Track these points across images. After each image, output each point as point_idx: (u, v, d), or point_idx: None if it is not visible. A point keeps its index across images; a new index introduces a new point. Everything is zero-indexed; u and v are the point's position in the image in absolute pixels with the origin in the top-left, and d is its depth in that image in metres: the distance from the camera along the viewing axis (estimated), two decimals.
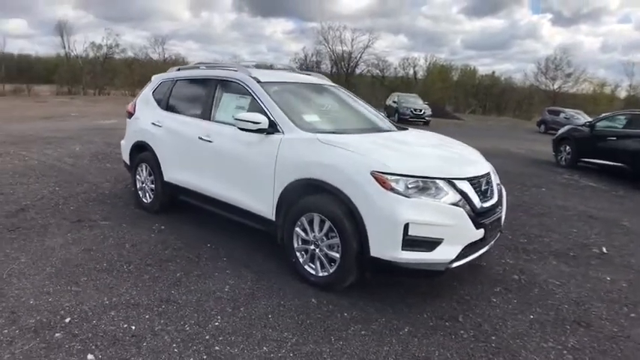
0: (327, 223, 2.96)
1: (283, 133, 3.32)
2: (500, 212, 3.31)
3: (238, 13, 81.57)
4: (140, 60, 46.48)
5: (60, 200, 4.85)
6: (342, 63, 46.78)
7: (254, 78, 3.74)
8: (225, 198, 3.73)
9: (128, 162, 4.98)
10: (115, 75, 44.06)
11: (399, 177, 2.75)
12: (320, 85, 4.34)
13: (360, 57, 46.28)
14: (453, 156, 3.40)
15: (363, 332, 2.59)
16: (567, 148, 9.61)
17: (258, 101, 3.57)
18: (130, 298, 2.85)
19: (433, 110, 25.75)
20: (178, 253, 3.62)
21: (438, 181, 2.82)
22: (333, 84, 4.65)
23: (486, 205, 3.08)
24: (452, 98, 43.84)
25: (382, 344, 2.48)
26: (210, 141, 3.81)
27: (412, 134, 4.00)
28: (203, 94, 4.14)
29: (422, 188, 2.78)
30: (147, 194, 4.68)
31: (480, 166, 3.26)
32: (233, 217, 3.73)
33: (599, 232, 4.95)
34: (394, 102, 21.84)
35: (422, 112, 20.54)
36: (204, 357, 2.29)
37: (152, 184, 4.56)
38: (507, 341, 2.60)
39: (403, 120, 20.18)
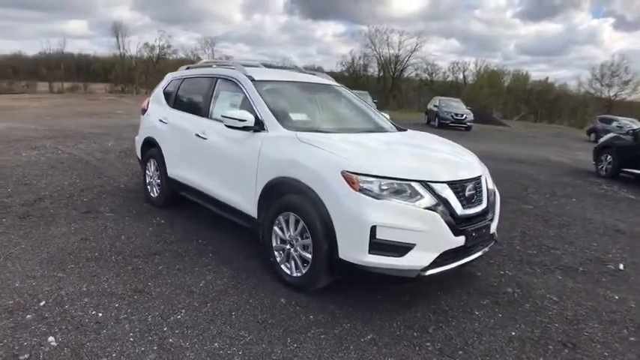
0: (301, 223, 2.92)
1: (267, 131, 3.32)
2: (491, 220, 3.12)
3: (289, 15, 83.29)
4: (190, 61, 48.41)
5: (76, 192, 5.13)
6: (389, 66, 46.15)
7: (248, 76, 3.77)
8: (216, 195, 3.79)
9: (140, 157, 5.18)
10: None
11: (370, 178, 2.67)
12: (319, 85, 4.30)
13: (408, 60, 45.48)
14: (437, 158, 3.24)
15: (322, 336, 2.53)
16: (608, 157, 8.94)
17: (249, 99, 3.59)
18: (107, 286, 2.95)
19: (478, 116, 24.88)
20: (168, 246, 3.71)
21: (413, 183, 2.70)
22: (337, 84, 4.60)
23: (470, 211, 2.91)
24: (501, 104, 42.08)
25: (338, 350, 2.41)
26: (205, 138, 3.89)
27: (406, 135, 3.87)
28: (203, 92, 4.23)
29: (395, 190, 2.68)
30: (154, 189, 4.84)
31: (467, 169, 3.09)
32: (223, 214, 3.78)
33: (622, 247, 4.55)
34: (435, 106, 21.26)
35: (463, 118, 19.86)
36: (155, 347, 2.32)
37: (158, 179, 4.72)
38: (475, 358, 2.43)
39: (443, 125, 19.61)
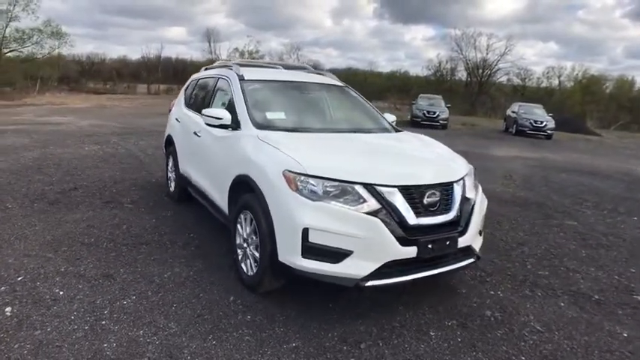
0: (254, 222, 2.91)
1: (240, 129, 3.35)
2: (461, 232, 2.80)
3: (379, 20, 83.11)
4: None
5: (110, 184, 5.65)
6: (477, 70, 43.64)
7: (239, 75, 3.84)
8: (205, 190, 3.92)
9: (165, 154, 5.54)
10: None
11: (309, 178, 2.56)
12: (316, 85, 4.23)
13: (496, 64, 42.60)
14: (400, 161, 3.01)
15: (246, 337, 2.48)
16: None
17: (233, 97, 3.67)
18: (83, 269, 3.20)
19: (566, 124, 22.56)
20: (159, 238, 3.92)
21: (356, 186, 2.54)
22: (340, 84, 4.49)
23: (428, 220, 2.65)
24: (597, 112, 37.47)
25: (253, 353, 2.35)
26: (199, 136, 4.05)
27: (393, 137, 3.67)
28: (206, 91, 4.42)
29: (337, 193, 2.54)
30: (172, 183, 5.15)
31: (432, 175, 2.81)
32: (211, 209, 3.89)
33: None
34: (513, 112, 19.66)
35: (543, 125, 18.07)
36: (86, 327, 2.47)
37: (175, 174, 5.01)
38: None
39: (521, 132, 18.07)
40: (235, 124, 3.41)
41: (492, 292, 3.28)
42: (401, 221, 2.55)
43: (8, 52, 29.02)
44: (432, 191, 2.70)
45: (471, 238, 2.91)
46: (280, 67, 4.80)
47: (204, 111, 3.49)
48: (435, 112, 18.92)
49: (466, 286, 3.35)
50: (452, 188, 2.84)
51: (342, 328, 2.64)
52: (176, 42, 79.14)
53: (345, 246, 2.48)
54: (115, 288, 2.96)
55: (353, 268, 2.50)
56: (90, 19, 73.88)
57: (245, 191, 3.04)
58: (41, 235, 3.79)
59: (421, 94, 21.89)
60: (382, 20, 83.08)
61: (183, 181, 4.69)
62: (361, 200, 2.52)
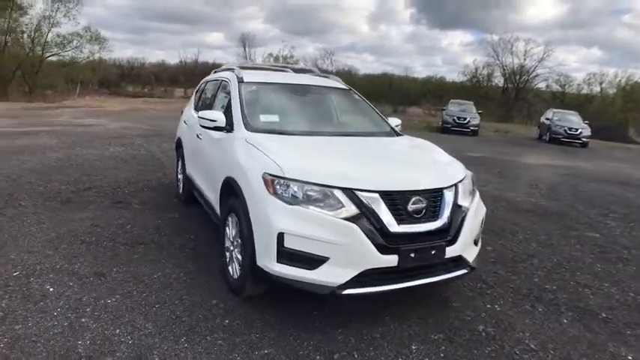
0: (238, 225, 2.88)
1: (233, 131, 3.35)
2: (450, 241, 2.66)
3: (416, 25, 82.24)
4: (309, 71, 49.94)
5: (124, 184, 5.80)
6: (514, 76, 42.16)
7: (238, 78, 3.86)
8: (204, 192, 3.95)
9: (176, 156, 5.64)
10: None
11: (288, 181, 2.51)
12: (317, 87, 4.18)
13: (534, 70, 41.00)
14: (388, 167, 2.90)
15: (219, 342, 2.45)
16: None
17: (230, 99, 3.68)
18: (77, 267, 3.27)
19: (606, 132, 21.51)
20: (158, 239, 3.97)
21: (335, 190, 2.47)
22: (344, 87, 4.42)
23: (411, 227, 2.54)
24: None
25: (223, 358, 2.31)
26: (200, 138, 4.08)
27: (388, 142, 3.58)
28: (211, 94, 4.47)
29: (315, 197, 2.48)
30: (180, 185, 5.23)
31: (419, 180, 2.70)
32: (208, 211, 3.90)
33: None
34: (547, 119, 18.87)
35: (578, 133, 17.22)
36: (65, 324, 2.52)
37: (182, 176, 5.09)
38: None
39: (555, 140, 17.30)
40: (230, 127, 3.41)
41: (489, 306, 3.11)
42: (381, 228, 2.45)
43: (50, 57, 30.58)
44: (417, 197, 2.58)
45: (463, 248, 2.77)
46: (290, 70, 4.81)
47: (199, 113, 3.52)
48: (465, 118, 18.45)
49: (462, 299, 3.19)
50: (441, 195, 2.71)
51: (319, 336, 2.56)
52: (214, 47, 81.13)
53: (321, 252, 2.41)
54: (103, 287, 3.00)
55: (329, 275, 2.42)
56: (130, 24, 77.09)
57: (232, 194, 3.02)
58: (46, 232, 3.92)
59: (452, 100, 21.41)
60: (419, 25, 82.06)
61: (189, 183, 4.74)
62: (339, 205, 2.44)
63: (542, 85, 41.88)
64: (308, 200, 2.47)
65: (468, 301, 3.15)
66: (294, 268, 2.44)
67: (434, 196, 2.67)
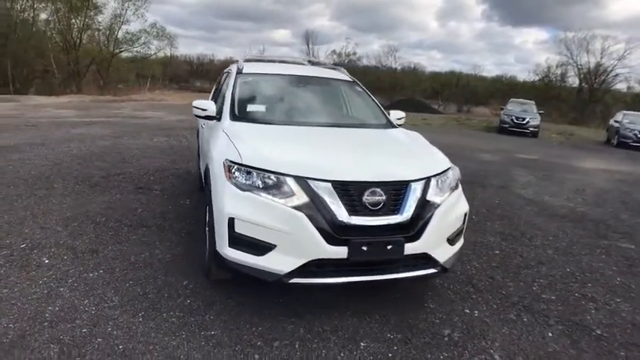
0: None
1: (220, 120, 3.45)
2: (409, 237, 2.53)
3: (487, 22, 78.68)
4: (372, 68, 49.01)
5: (152, 172, 6.17)
6: (589, 77, 38.72)
7: (238, 69, 3.96)
8: (202, 179, 4.11)
9: None
10: None
11: (244, 168, 2.55)
12: (316, 78, 4.16)
13: (613, 70, 37.28)
14: (352, 156, 2.82)
15: (173, 319, 2.55)
16: None
17: (226, 90, 3.78)
18: (78, 243, 3.55)
19: None
20: (162, 222, 4.19)
21: (288, 178, 2.46)
22: (348, 79, 4.35)
23: (365, 219, 2.46)
24: None
25: (169, 334, 2.41)
26: (203, 128, 4.25)
27: (376, 133, 3.53)
28: (220, 85, 4.62)
29: (269, 184, 2.48)
30: (199, 173, 5.47)
31: (383, 172, 2.60)
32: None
33: None
34: (616, 122, 17.07)
35: None
36: (45, 291, 2.76)
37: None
38: None
39: (623, 145, 15.61)
40: (219, 116, 3.51)
41: (467, 311, 2.92)
42: (331, 219, 2.40)
43: (119, 52, 33.05)
44: (374, 189, 2.49)
45: (429, 246, 2.63)
46: (308, 62, 4.86)
47: (193, 102, 3.65)
48: (524, 119, 17.30)
49: (440, 301, 3.03)
50: (406, 188, 2.59)
51: (269, 324, 2.57)
52: (280, 44, 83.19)
53: (269, 239, 2.42)
54: (91, 262, 3.23)
55: (276, 262, 2.42)
56: (204, 22, 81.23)
57: (207, 181, 3.12)
58: (64, 212, 4.28)
59: (512, 99, 20.17)
60: (490, 22, 78.27)
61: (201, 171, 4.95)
62: (291, 193, 2.43)
63: (622, 86, 38.07)
64: (261, 187, 2.48)
65: (446, 304, 2.98)
66: (245, 253, 2.47)
67: (396, 189, 2.56)
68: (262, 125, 3.24)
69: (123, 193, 5.03)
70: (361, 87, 4.29)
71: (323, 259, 2.42)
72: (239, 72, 3.92)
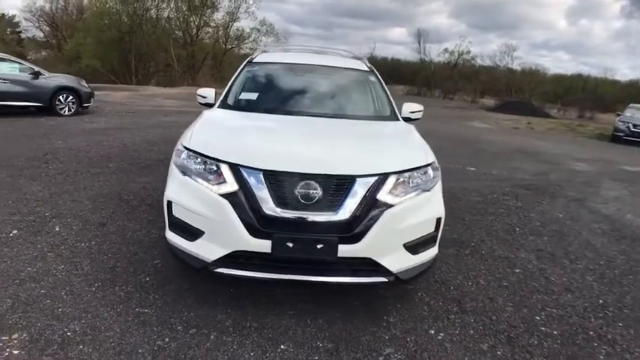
0: None
1: (212, 107, 3.51)
2: (345, 238, 2.28)
3: (627, 20, 68.37)
4: (488, 68, 45.48)
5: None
6: None
7: (250, 58, 3.99)
8: None
9: None
10: (467, 81, 42.82)
11: (189, 152, 2.55)
12: (331, 68, 4.00)
13: None
14: (305, 146, 2.64)
15: (121, 294, 2.68)
16: None
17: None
18: (94, 217, 3.91)
19: None
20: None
21: (222, 165, 2.40)
22: (365, 69, 4.08)
23: (294, 213, 2.27)
24: None
25: (108, 306, 2.52)
26: None
27: (367, 124, 3.34)
28: None
29: (206, 169, 2.45)
30: None
31: (325, 164, 2.37)
32: None
33: None
34: None
35: None
36: (35, 254, 3.08)
37: None
38: None
39: None
40: (215, 103, 3.57)
41: (432, 332, 2.55)
42: (258, 209, 2.27)
43: (231, 49, 35.50)
44: (308, 182, 2.28)
45: (376, 251, 2.35)
46: (343, 52, 4.75)
47: (197, 91, 3.77)
48: None
49: (407, 317, 2.67)
50: (350, 184, 2.33)
51: (206, 312, 2.55)
52: (394, 42, 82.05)
53: (198, 225, 2.39)
54: (91, 234, 3.54)
55: (204, 249, 2.38)
56: (321, 20, 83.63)
57: None
58: (102, 188, 4.75)
59: (632, 104, 17.12)
60: (630, 20, 67.35)
61: None
62: (222, 180, 2.36)
63: None
64: (198, 172, 2.46)
65: (410, 321, 2.63)
66: (180, 237, 2.48)
67: (337, 184, 2.32)
68: (245, 113, 3.23)
69: (140, 177, 5.32)
70: (376, 77, 4.00)
71: (247, 252, 2.30)
72: (249, 62, 3.94)
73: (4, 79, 8.83)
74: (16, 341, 2.17)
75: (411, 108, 3.70)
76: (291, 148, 2.60)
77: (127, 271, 2.96)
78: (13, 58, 9.53)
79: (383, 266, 2.37)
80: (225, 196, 2.32)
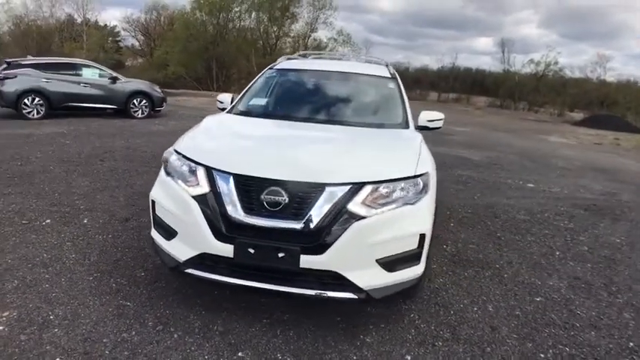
0: None
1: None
2: (307, 249, 2.19)
3: None
4: (579, 80, 41.66)
5: None
6: None
7: (273, 64, 4.06)
8: None
9: None
10: (555, 93, 39.20)
11: (178, 155, 2.63)
12: (349, 74, 3.96)
13: None
14: (284, 152, 2.59)
15: (113, 285, 2.83)
16: None
17: None
18: (121, 212, 4.19)
19: None
20: None
21: (199, 167, 2.44)
22: (387, 75, 3.93)
23: (258, 220, 2.23)
24: None
25: (91, 295, 2.68)
26: None
27: (370, 132, 3.18)
28: None
29: (186, 171, 2.51)
30: None
31: (295, 170, 2.30)
32: None
33: None
34: None
35: None
36: (56, 242, 3.38)
37: None
38: None
39: None
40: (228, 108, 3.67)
41: (408, 358, 2.33)
42: (224, 213, 2.26)
43: None
44: (274, 188, 2.23)
45: (342, 265, 2.23)
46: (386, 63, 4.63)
47: (217, 97, 3.89)
48: None
49: (386, 338, 2.50)
50: (318, 192, 2.23)
51: (182, 311, 2.59)
52: (479, 52, 77.87)
53: (173, 225, 2.46)
54: (114, 228, 3.78)
55: (176, 249, 2.43)
56: (403, 30, 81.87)
57: None
58: (142, 186, 5.04)
59: None
60: None
61: None
62: (196, 182, 2.40)
63: None
64: (180, 174, 2.52)
65: (388, 344, 2.44)
66: (159, 236, 2.56)
67: (305, 192, 2.24)
68: (243, 118, 3.28)
69: (148, 174, 5.51)
70: (396, 84, 3.82)
71: (216, 255, 2.30)
72: (270, 68, 3.99)
73: (85, 84, 9.91)
74: (4, 319, 2.38)
75: (428, 116, 3.49)
76: (265, 153, 2.57)
77: (127, 264, 3.12)
78: (94, 64, 10.66)
79: (350, 281, 2.23)
80: (196, 197, 2.35)
